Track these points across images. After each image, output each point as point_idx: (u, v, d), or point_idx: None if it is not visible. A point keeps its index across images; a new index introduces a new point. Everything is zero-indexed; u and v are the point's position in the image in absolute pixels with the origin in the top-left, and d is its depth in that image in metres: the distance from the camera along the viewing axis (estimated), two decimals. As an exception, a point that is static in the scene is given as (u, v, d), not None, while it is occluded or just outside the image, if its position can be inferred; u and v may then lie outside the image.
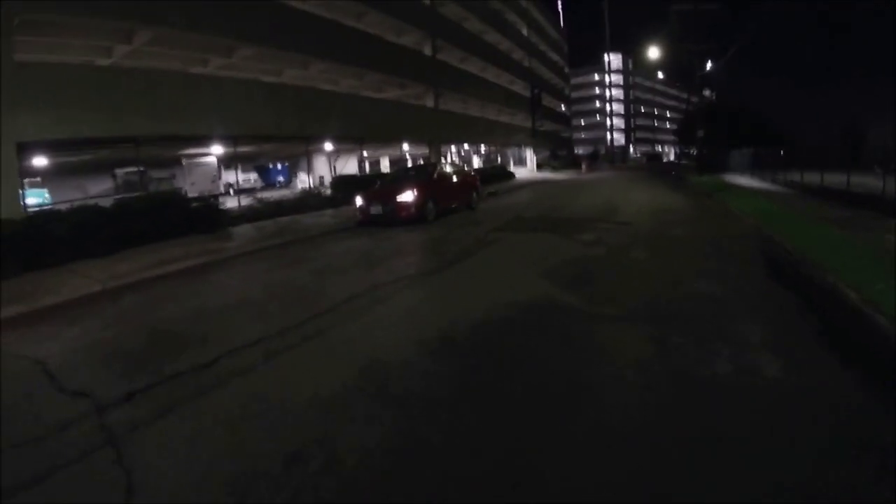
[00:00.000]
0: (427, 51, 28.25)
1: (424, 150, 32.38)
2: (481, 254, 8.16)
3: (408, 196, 12.09)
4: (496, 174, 30.85)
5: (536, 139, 47.07)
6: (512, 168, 42.29)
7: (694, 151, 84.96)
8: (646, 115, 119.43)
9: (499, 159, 47.90)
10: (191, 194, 25.36)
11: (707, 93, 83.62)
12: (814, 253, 6.74)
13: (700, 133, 31.02)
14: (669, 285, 5.80)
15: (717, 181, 25.02)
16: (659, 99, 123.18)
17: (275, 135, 19.24)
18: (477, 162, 46.01)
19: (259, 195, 15.97)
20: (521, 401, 3.21)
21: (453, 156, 46.79)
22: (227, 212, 14.38)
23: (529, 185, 29.48)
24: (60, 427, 3.19)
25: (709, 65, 31.31)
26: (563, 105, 66.24)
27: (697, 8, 28.59)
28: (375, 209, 12.27)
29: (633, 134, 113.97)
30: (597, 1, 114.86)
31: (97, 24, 14.26)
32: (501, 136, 42.02)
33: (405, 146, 31.53)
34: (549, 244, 8.84)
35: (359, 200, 12.79)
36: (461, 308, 5.16)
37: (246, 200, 16.77)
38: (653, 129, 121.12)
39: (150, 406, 3.41)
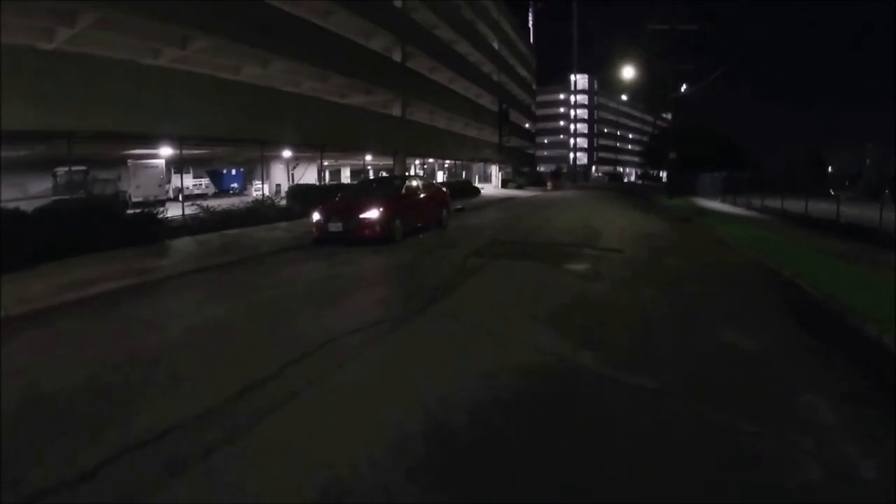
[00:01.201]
0: (396, 57, 26.96)
1: (388, 162, 31.02)
2: (464, 288, 6.84)
3: (373, 213, 10.70)
4: (462, 190, 29.76)
5: (503, 155, 46.41)
6: (477, 184, 41.39)
7: (659, 173, 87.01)
8: (608, 135, 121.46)
9: (463, 174, 46.97)
10: (135, 199, 23.38)
11: (667, 115, 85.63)
12: (840, 295, 5.80)
13: (672, 155, 30.76)
14: (695, 336, 4.85)
15: (690, 205, 24.79)
16: (623, 120, 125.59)
17: (228, 137, 17.50)
18: (441, 176, 44.96)
19: (207, 203, 14.20)
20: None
21: (417, 169, 45.63)
22: (169, 222, 12.69)
23: (497, 202, 28.53)
24: None
25: (683, 87, 31.16)
26: (529, 122, 66.11)
27: (674, 28, 28.33)
28: (335, 226, 10.82)
29: (595, 154, 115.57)
30: (566, 19, 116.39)
31: (37, 4, 12.57)
32: (468, 151, 41.05)
33: (368, 157, 30.08)
34: (540, 276, 7.64)
35: (316, 215, 11.23)
36: (450, 377, 3.80)
37: (193, 208, 15.06)
38: (615, 150, 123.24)
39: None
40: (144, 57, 17.70)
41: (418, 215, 12.62)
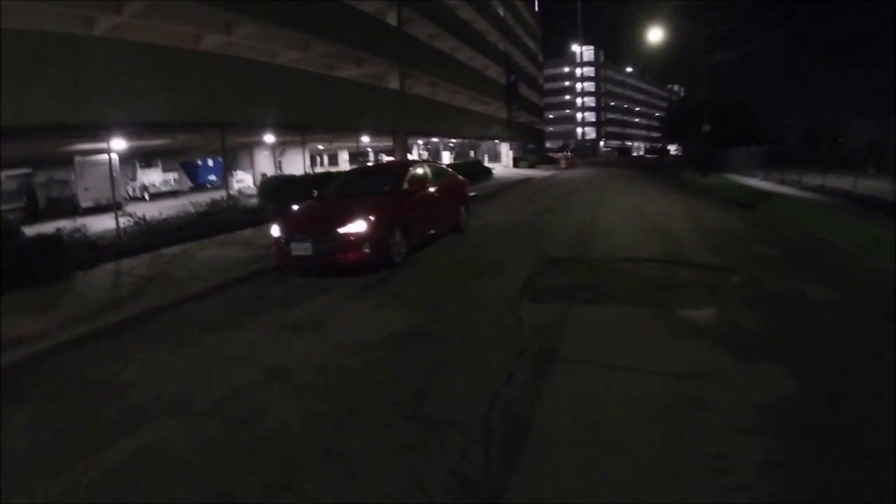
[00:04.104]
0: (392, 20, 23.09)
1: (388, 143, 27.34)
2: (548, 425, 3.13)
3: (357, 224, 7.03)
4: (473, 172, 26.03)
5: (512, 131, 42.52)
6: (486, 164, 37.62)
7: (667, 147, 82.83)
8: (615, 109, 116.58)
9: (472, 154, 43.12)
10: (84, 203, 19.80)
11: (674, 87, 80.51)
12: None
13: (706, 128, 26.94)
14: None
15: (731, 184, 21.82)
16: (630, 93, 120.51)
17: (183, 121, 13.85)
18: (447, 157, 41.15)
19: (139, 217, 10.20)
20: None
21: (420, 150, 41.86)
22: (94, 241, 9.29)
23: (514, 185, 24.92)
24: None
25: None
26: (537, 96, 61.93)
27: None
28: (301, 247, 7.10)
29: (603, 128, 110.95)
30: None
31: None
32: (476, 128, 37.14)
33: (364, 138, 26.41)
34: (664, 352, 4.04)
35: (276, 230, 7.51)
36: None
37: (151, 208, 11.57)
38: (622, 124, 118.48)
39: None
40: (74, 25, 14.07)
41: (428, 219, 8.95)
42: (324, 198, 8.81)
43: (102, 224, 10.99)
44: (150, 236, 10.02)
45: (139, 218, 10.32)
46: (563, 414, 3.18)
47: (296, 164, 24.09)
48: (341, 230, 7.02)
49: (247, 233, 11.09)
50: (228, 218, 11.95)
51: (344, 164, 43.22)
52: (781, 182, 19.96)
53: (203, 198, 13.12)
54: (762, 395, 3.32)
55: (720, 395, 3.33)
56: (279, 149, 26.78)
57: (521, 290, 5.90)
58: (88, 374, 4.35)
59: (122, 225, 10.27)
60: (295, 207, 8.64)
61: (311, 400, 3.57)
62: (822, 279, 6.15)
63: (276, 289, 6.80)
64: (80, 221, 9.39)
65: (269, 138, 23.76)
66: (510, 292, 5.85)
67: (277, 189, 13.41)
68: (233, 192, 12.99)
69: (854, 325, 4.62)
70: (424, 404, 3.40)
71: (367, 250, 7.01)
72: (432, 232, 9.19)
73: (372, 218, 7.12)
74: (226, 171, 28.85)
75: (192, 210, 11.38)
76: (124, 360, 4.57)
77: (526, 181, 27.75)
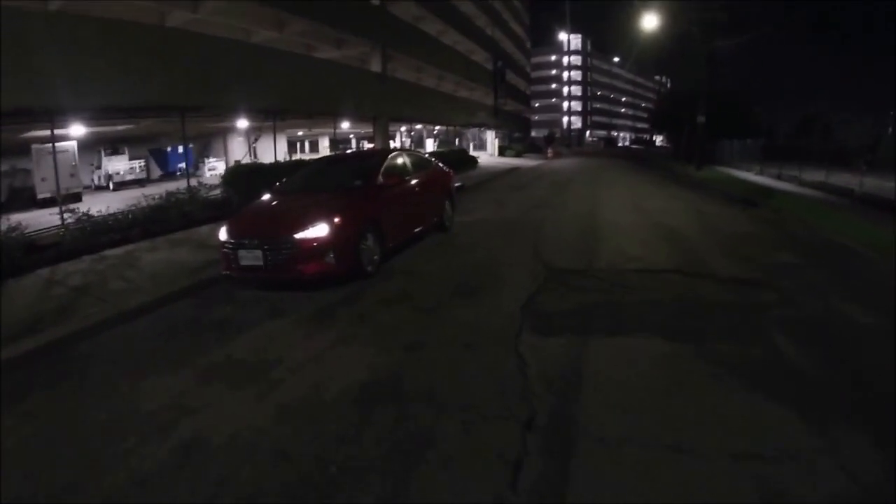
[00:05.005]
0: (374, -1, 21.73)
1: (368, 129, 26.01)
2: None
3: (320, 228, 5.78)
4: (458, 160, 24.84)
5: (499, 119, 41.30)
6: (472, 152, 36.43)
7: (653, 139, 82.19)
8: (602, 99, 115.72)
9: (457, 142, 41.85)
10: (41, 194, 18.27)
11: (661, 78, 79.52)
12: None
13: (700, 119, 26.03)
14: None
15: (727, 178, 21.33)
16: (616, 83, 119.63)
17: (143, 106, 12.40)
18: (431, 145, 39.82)
19: (81, 213, 8.81)
20: None
21: (403, 137, 40.51)
22: (35, 239, 8.08)
23: (501, 174, 23.83)
24: None
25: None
26: (524, 83, 60.69)
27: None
28: (250, 256, 5.79)
29: (589, 118, 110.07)
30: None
31: None
32: (462, 115, 35.84)
33: (345, 124, 25.05)
34: (716, 415, 3.02)
35: (224, 233, 6.17)
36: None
37: (113, 199, 10.32)
38: (608, 114, 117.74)
39: None
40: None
41: (407, 218, 7.75)
42: (284, 192, 7.42)
43: (51, 219, 9.69)
44: (96, 235, 8.77)
45: (82, 214, 9.03)
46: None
47: (272, 150, 22.68)
48: (298, 235, 5.73)
49: (205, 230, 9.84)
50: (189, 212, 10.70)
51: (325, 151, 41.76)
52: (779, 177, 19.28)
53: (171, 187, 11.80)
54: (851, 482, 2.37)
55: (800, 485, 2.39)
56: (254, 135, 25.23)
57: (521, 316, 4.82)
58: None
59: (67, 221, 9.00)
60: (252, 206, 7.39)
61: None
62: (859, 296, 5.27)
63: (221, 308, 5.59)
64: (30, 215, 8.16)
65: (243, 123, 22.33)
66: (508, 318, 4.76)
67: (244, 179, 12.12)
68: (193, 183, 11.64)
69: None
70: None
71: (331, 260, 5.77)
72: (414, 231, 8.04)
73: (337, 220, 5.90)
74: (197, 159, 27.28)
75: (146, 203, 10.10)
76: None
77: (513, 170, 26.65)
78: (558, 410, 3.16)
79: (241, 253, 5.82)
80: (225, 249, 6.02)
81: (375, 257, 6.48)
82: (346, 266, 5.94)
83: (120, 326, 5.14)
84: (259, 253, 5.71)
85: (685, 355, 3.86)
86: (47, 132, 17.26)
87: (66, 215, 9.14)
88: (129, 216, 9.58)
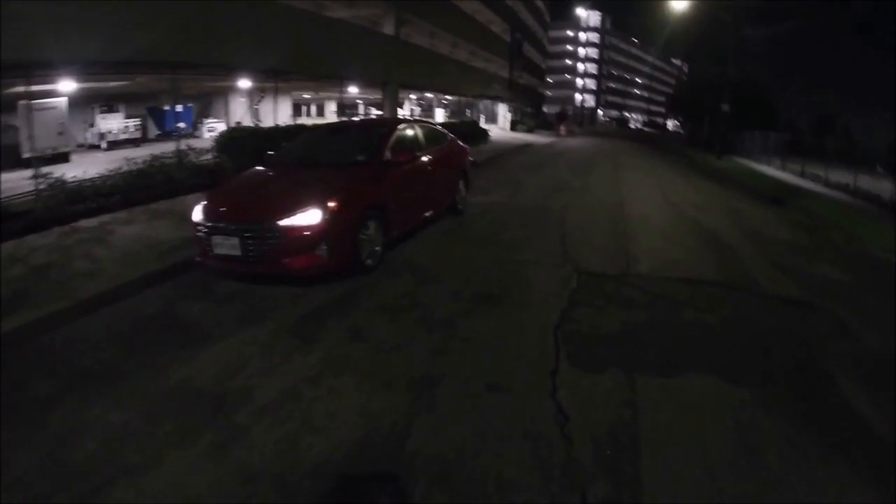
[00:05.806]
0: (389, -44, 20.29)
1: (377, 95, 24.77)
2: None
3: (311, 214, 4.75)
4: (469, 133, 23.66)
5: (513, 92, 39.85)
6: (482, 125, 35.12)
7: (671, 124, 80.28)
8: (617, 79, 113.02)
9: (467, 113, 40.45)
10: (27, 153, 17.21)
11: (678, 62, 77.03)
12: None
13: (725, 108, 24.93)
14: None
15: (749, 170, 20.85)
16: (633, 64, 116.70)
17: (135, 61, 11.22)
18: (441, 115, 38.44)
19: (54, 179, 7.77)
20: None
21: (412, 105, 39.15)
22: (4, 208, 7.18)
23: (514, 151, 22.74)
24: None
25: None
26: (541, 58, 58.79)
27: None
28: (226, 244, 4.76)
29: (602, 97, 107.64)
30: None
31: None
32: (475, 85, 34.40)
33: (352, 89, 23.84)
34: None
35: (198, 212, 5.12)
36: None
37: (104, 165, 9.46)
38: (622, 94, 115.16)
39: None
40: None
41: (417, 202, 6.70)
42: (274, 164, 6.34)
43: (29, 183, 8.74)
44: (72, 203, 7.84)
45: (55, 180, 8.07)
46: None
47: (277, 112, 21.50)
48: (284, 222, 4.70)
49: (191, 199, 8.85)
50: (177, 178, 9.73)
51: (331, 115, 40.44)
52: (802, 175, 18.36)
53: (168, 147, 10.81)
54: None
55: None
56: (256, 96, 24.02)
57: (554, 338, 3.91)
58: None
59: (40, 187, 8.05)
60: (233, 179, 6.43)
61: None
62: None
63: (190, 305, 4.62)
64: (14, 175, 7.23)
65: (245, 83, 21.14)
66: (539, 342, 3.85)
67: (239, 143, 11.10)
68: (183, 147, 10.61)
69: None
70: None
71: (322, 253, 4.78)
72: (424, 216, 7.06)
73: (332, 204, 4.86)
74: (196, 119, 26.15)
75: (127, 168, 9.13)
76: None
77: (527, 147, 25.51)
78: (612, 497, 2.31)
79: (216, 239, 4.79)
80: (198, 233, 5.00)
81: (377, 248, 5.49)
82: (341, 260, 4.96)
83: (69, 324, 4.23)
84: (237, 241, 4.69)
85: (751, 406, 3.09)
86: (36, 88, 16.32)
87: (38, 181, 8.18)
88: (108, 182, 8.63)
